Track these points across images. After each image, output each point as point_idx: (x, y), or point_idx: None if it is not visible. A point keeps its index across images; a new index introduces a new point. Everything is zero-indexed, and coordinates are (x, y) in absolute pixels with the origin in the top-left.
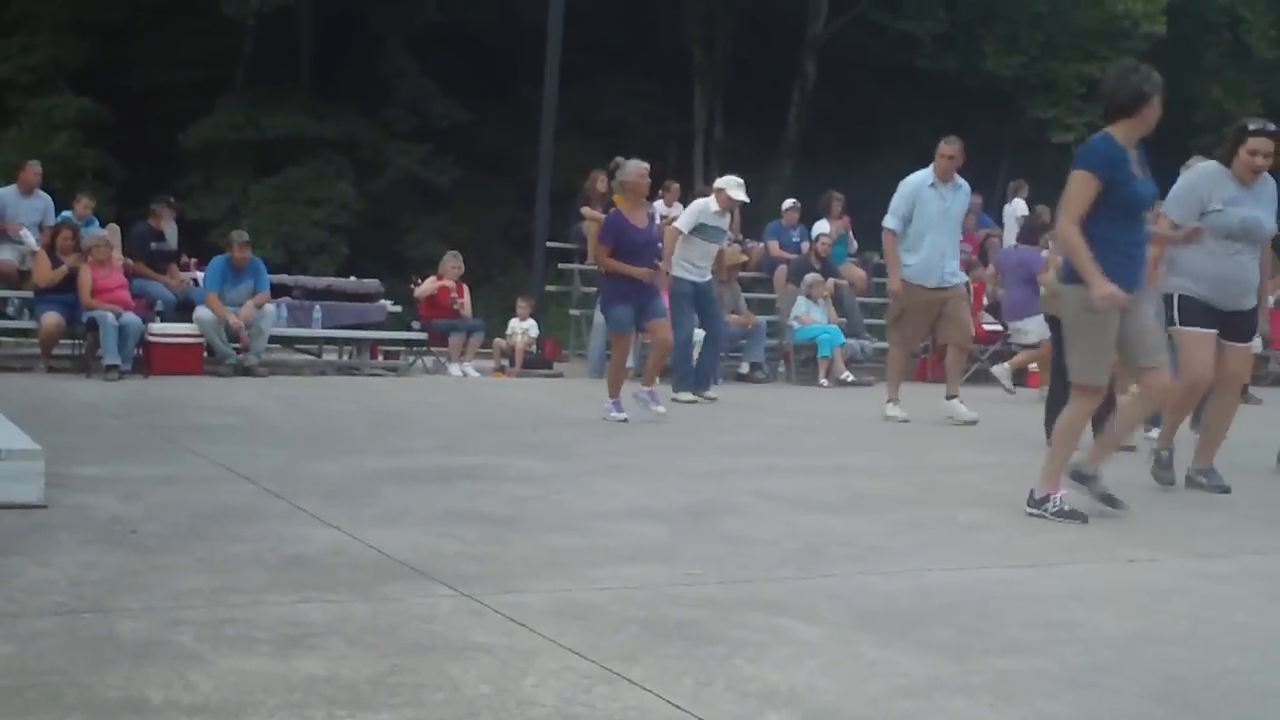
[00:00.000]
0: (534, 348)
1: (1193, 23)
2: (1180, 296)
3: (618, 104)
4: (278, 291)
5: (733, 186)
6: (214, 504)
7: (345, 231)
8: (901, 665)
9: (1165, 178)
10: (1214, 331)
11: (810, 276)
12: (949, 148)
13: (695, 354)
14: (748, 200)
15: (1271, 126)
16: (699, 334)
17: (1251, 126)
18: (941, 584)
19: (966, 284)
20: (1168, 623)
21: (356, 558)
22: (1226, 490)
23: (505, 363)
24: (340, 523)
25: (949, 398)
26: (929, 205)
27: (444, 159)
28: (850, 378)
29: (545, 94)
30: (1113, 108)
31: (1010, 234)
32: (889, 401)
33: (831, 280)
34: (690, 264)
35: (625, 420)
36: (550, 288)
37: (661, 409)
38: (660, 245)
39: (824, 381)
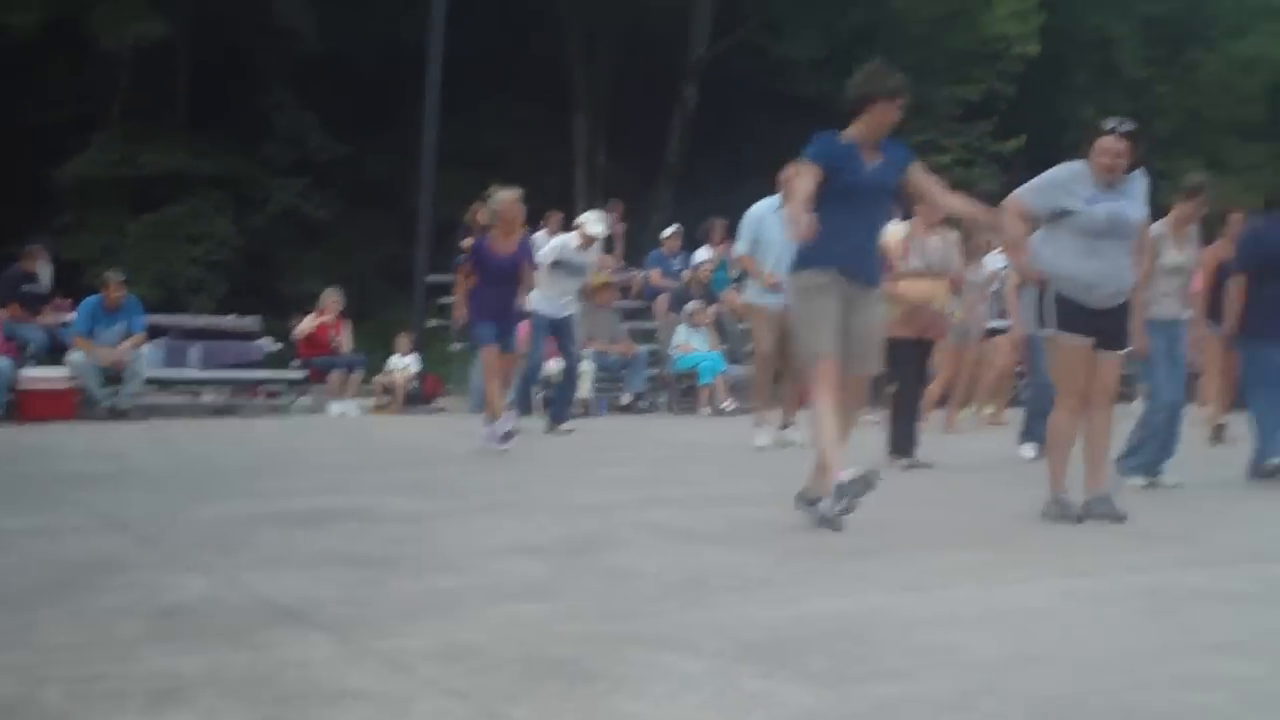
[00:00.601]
0: (415, 384)
1: (1065, 43)
2: (1057, 295)
3: (499, 134)
4: (154, 332)
5: (591, 222)
6: (86, 554)
7: (224, 268)
8: (782, 696)
9: None
10: (1089, 340)
11: (691, 304)
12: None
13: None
14: (607, 233)
15: (1126, 125)
16: (554, 365)
17: (1105, 125)
18: (822, 612)
19: None
20: (1042, 643)
21: (233, 605)
22: (1121, 519)
23: (386, 400)
24: (216, 569)
25: (785, 425)
26: (773, 230)
27: (324, 193)
28: (731, 406)
29: (425, 125)
30: (847, 108)
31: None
32: (757, 425)
33: (713, 307)
34: (549, 298)
35: (506, 447)
36: (431, 323)
37: (507, 446)
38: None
39: (705, 410)
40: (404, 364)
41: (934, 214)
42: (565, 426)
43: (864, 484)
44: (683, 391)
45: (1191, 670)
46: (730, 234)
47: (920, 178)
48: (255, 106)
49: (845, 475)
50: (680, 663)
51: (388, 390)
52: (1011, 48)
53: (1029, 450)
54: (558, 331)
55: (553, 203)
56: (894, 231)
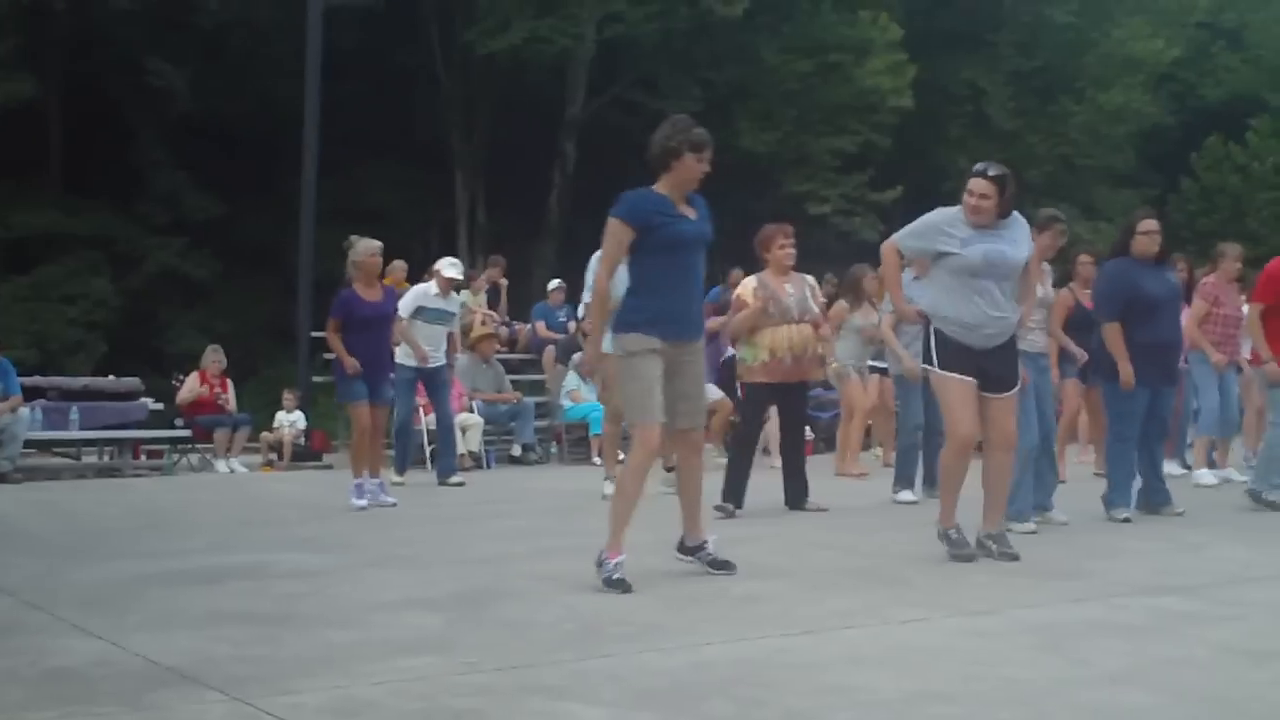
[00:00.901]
0: (302, 439)
1: (938, 96)
2: (936, 333)
3: (379, 192)
4: (32, 394)
5: (446, 266)
6: None
7: (103, 329)
8: None
9: None
10: (972, 381)
11: (579, 355)
12: None
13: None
14: (459, 278)
15: (993, 170)
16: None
17: (974, 169)
18: (720, 657)
19: None
20: (941, 681)
21: (122, 667)
22: (1015, 558)
23: (273, 456)
24: (104, 631)
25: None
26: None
27: (202, 252)
28: (623, 456)
29: (304, 184)
30: (651, 163)
31: None
32: (606, 479)
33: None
34: (412, 349)
35: (365, 508)
36: (317, 378)
37: (391, 500)
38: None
39: (597, 460)
40: (290, 420)
41: (787, 261)
42: (454, 480)
43: (617, 585)
44: (574, 442)
45: (1090, 702)
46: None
47: None
48: (130, 166)
49: (615, 560)
50: (580, 711)
51: (274, 447)
52: (886, 101)
53: (906, 495)
54: (427, 383)
55: (434, 258)
56: (746, 282)
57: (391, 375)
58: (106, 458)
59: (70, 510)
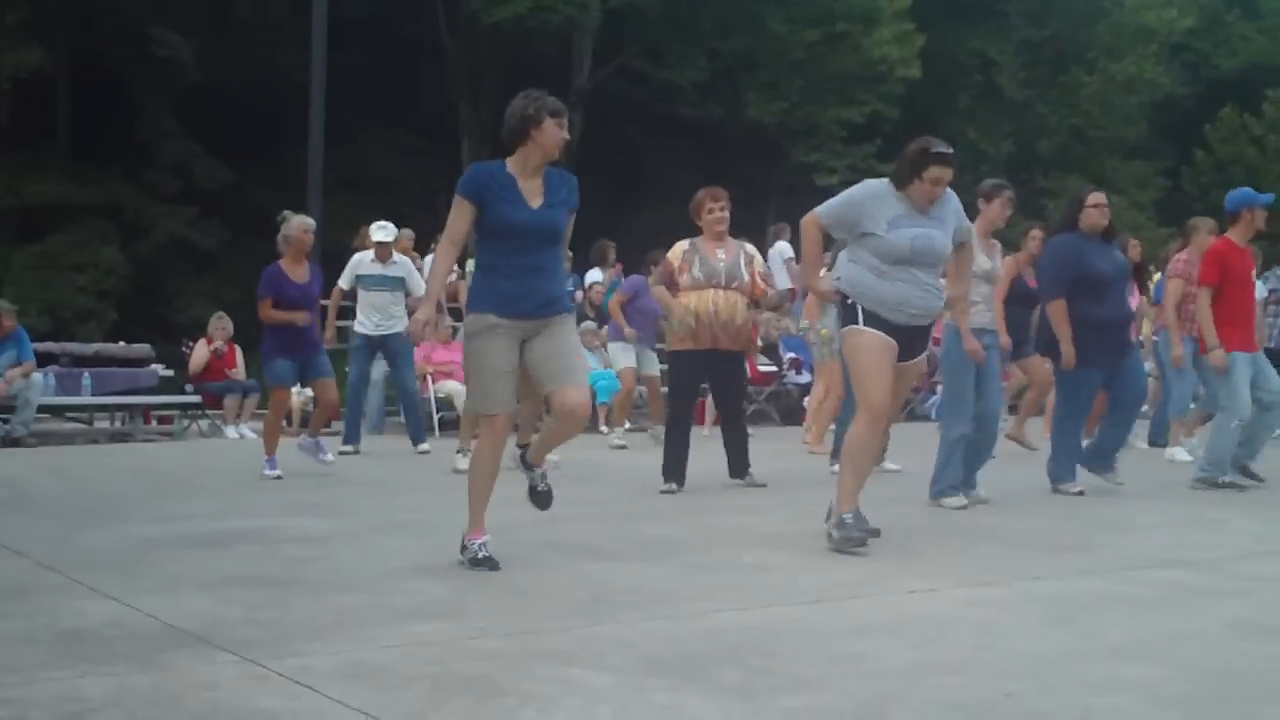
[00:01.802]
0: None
1: (946, 66)
2: (862, 308)
3: (386, 160)
4: (45, 360)
5: (375, 230)
6: None
7: (113, 297)
8: (691, 709)
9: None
10: (892, 343)
11: (584, 325)
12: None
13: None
14: (389, 240)
15: (947, 148)
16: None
17: (934, 150)
18: (729, 625)
19: None
20: (948, 651)
21: (135, 628)
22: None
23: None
24: (117, 593)
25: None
26: None
27: (211, 221)
28: (628, 425)
29: (310, 153)
30: (508, 139)
31: (779, 276)
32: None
33: (606, 328)
34: (363, 318)
35: (280, 477)
36: (326, 347)
37: (329, 458)
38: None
39: (604, 429)
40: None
41: (718, 226)
42: (422, 447)
43: (483, 563)
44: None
45: (1097, 675)
46: (621, 257)
47: None
48: (139, 136)
49: (479, 541)
50: (588, 677)
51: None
52: (894, 71)
53: (891, 465)
54: (384, 351)
55: (441, 227)
56: (678, 245)
57: (324, 349)
58: (118, 423)
59: (83, 475)
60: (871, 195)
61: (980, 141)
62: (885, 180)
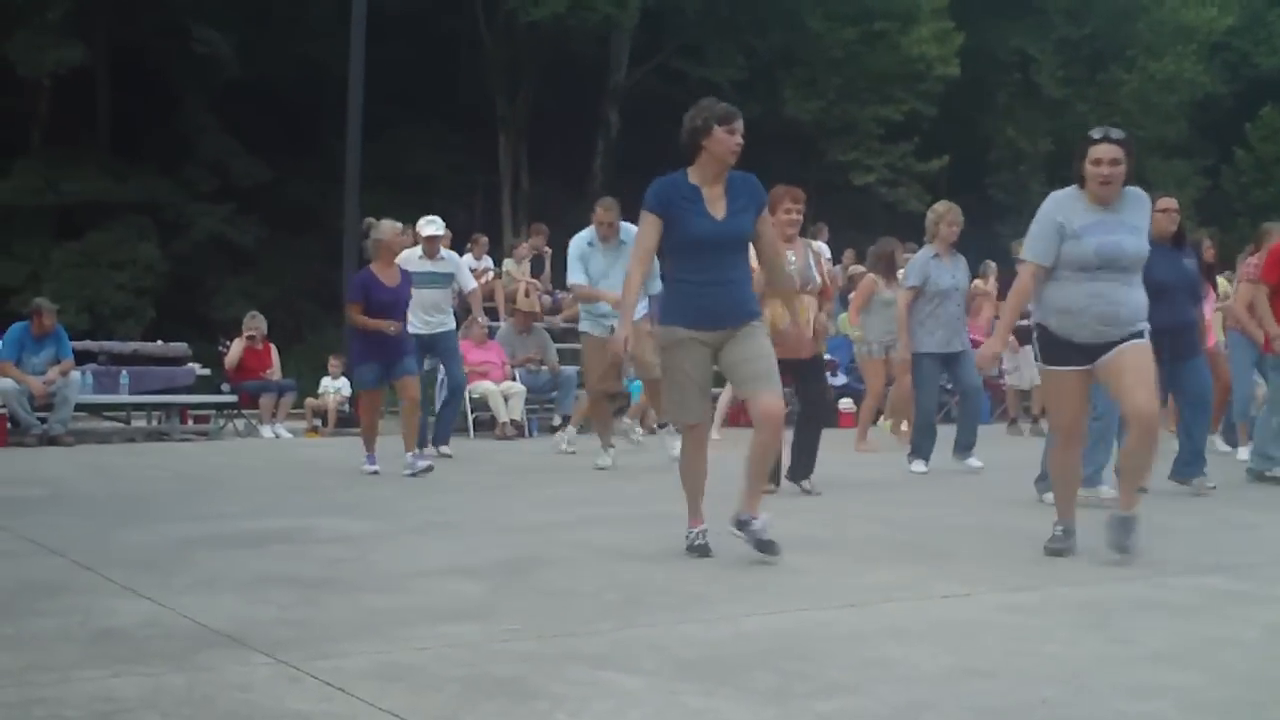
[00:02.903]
0: (346, 406)
1: (985, 64)
2: (1038, 327)
3: (423, 157)
4: (83, 358)
5: (424, 225)
6: (19, 579)
7: (151, 294)
8: (724, 712)
9: (973, 217)
10: (1079, 368)
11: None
12: (603, 213)
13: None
14: (440, 234)
15: (1116, 133)
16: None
17: (1094, 134)
18: (762, 629)
19: None
20: (982, 656)
21: (170, 628)
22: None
23: (318, 422)
24: (152, 593)
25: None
26: (595, 262)
27: (249, 218)
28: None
29: (348, 148)
30: (684, 151)
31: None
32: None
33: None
34: (410, 317)
35: (377, 472)
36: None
37: (427, 462)
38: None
39: (639, 429)
40: (335, 386)
41: (790, 229)
42: (445, 449)
43: (695, 550)
44: (615, 412)
45: (1133, 680)
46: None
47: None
48: (177, 132)
49: (696, 529)
50: (620, 680)
51: (319, 413)
52: (932, 69)
53: (919, 466)
54: (435, 350)
55: (479, 226)
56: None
57: (411, 349)
58: (155, 422)
59: (120, 474)
60: (1057, 205)
61: (1019, 140)
62: (1072, 187)
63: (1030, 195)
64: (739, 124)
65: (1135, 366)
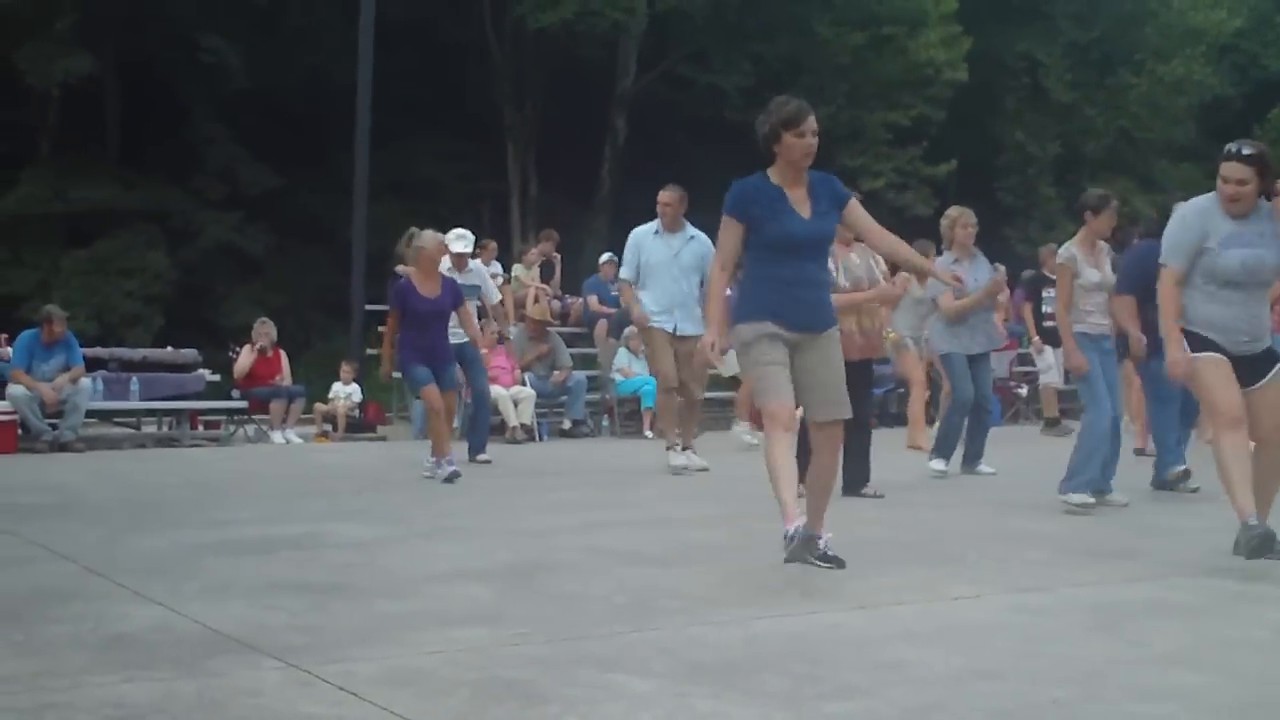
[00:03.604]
0: (356, 411)
1: (993, 69)
2: (1185, 332)
3: (431, 165)
4: (93, 365)
5: (453, 240)
6: (30, 584)
7: (160, 302)
8: (734, 715)
9: (982, 221)
10: (1223, 359)
11: (630, 329)
12: (666, 194)
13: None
14: (468, 251)
15: (1248, 150)
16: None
17: (1228, 147)
18: (772, 632)
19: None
20: (993, 658)
21: (180, 633)
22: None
23: (328, 428)
24: (163, 598)
25: (683, 448)
26: (654, 254)
27: (257, 226)
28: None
29: (356, 157)
30: (763, 155)
31: None
32: (669, 449)
33: None
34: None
35: (458, 473)
36: (371, 351)
37: (454, 468)
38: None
39: (648, 434)
40: (346, 392)
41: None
42: (482, 457)
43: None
44: (625, 415)
45: (1143, 682)
46: None
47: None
48: (186, 141)
49: (793, 526)
50: (630, 683)
51: (329, 419)
52: (940, 74)
53: (939, 464)
54: (461, 360)
55: (487, 233)
56: None
57: (454, 362)
58: (165, 428)
59: (130, 479)
60: (1199, 211)
61: (1027, 144)
62: (1211, 195)
63: (1039, 199)
64: (809, 123)
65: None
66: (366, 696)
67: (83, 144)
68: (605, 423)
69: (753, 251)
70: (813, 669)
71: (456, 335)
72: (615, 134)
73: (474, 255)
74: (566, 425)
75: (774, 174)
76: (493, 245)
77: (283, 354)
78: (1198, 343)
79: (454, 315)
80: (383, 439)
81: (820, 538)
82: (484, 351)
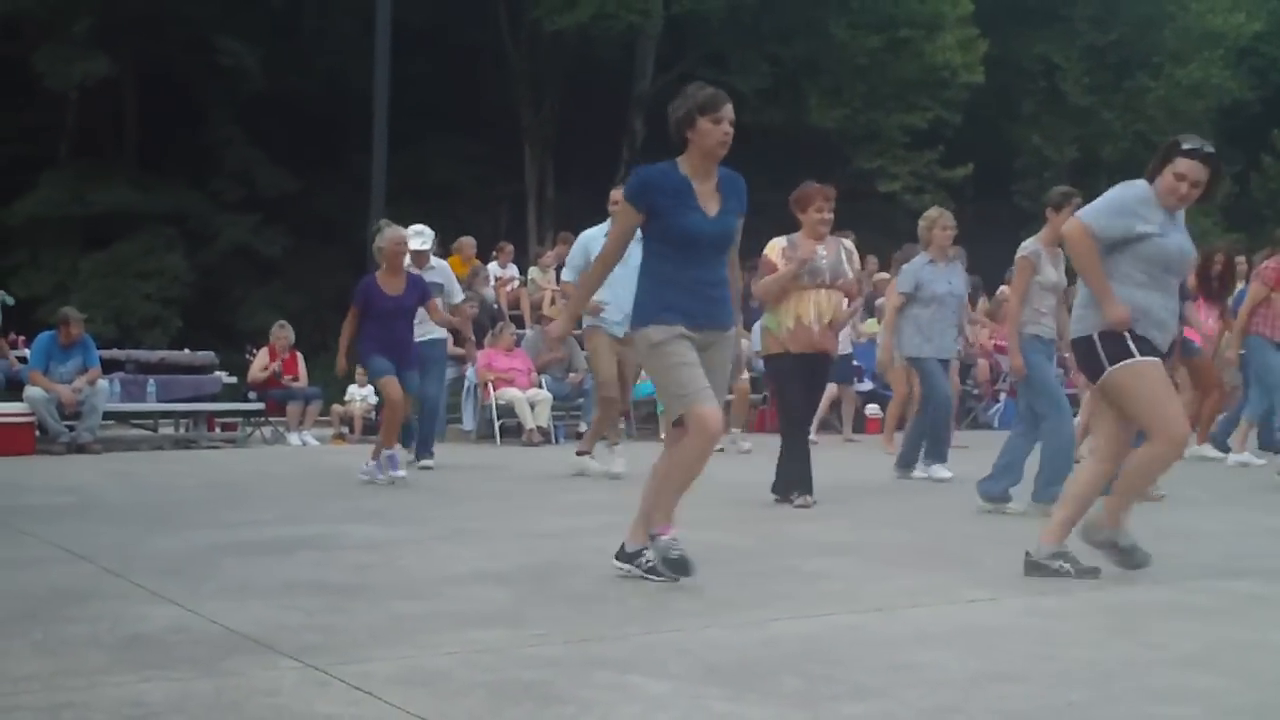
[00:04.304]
0: (373, 414)
1: (1010, 72)
2: (1104, 334)
3: (448, 167)
4: (110, 367)
5: (411, 237)
6: (49, 585)
7: (177, 304)
8: (751, 717)
9: (999, 225)
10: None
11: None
12: (618, 193)
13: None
14: (426, 249)
15: (1209, 148)
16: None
17: (1185, 145)
18: (789, 633)
19: None
20: (1009, 660)
21: (198, 634)
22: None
23: (345, 430)
24: (180, 599)
25: (581, 453)
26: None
27: (274, 228)
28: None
29: (374, 159)
30: (673, 141)
31: None
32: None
33: None
34: None
35: (404, 476)
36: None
37: (402, 473)
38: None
39: (663, 435)
40: (362, 394)
41: (822, 227)
42: (425, 462)
43: (677, 565)
44: (641, 419)
45: (1160, 685)
46: None
47: None
48: (203, 144)
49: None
50: (647, 685)
51: (345, 420)
52: (957, 76)
53: (941, 472)
54: (418, 357)
55: (504, 236)
56: (774, 243)
57: (415, 364)
58: (182, 429)
59: (147, 480)
60: (1139, 194)
61: (1044, 148)
62: (1143, 182)
63: None
64: (727, 112)
65: None
66: (383, 697)
67: (100, 147)
68: (621, 425)
69: (653, 246)
70: (829, 670)
71: (422, 333)
72: (633, 136)
73: (442, 253)
74: (583, 428)
75: (683, 164)
76: (509, 248)
77: (299, 356)
78: (1137, 340)
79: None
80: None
81: (663, 534)
82: (491, 352)
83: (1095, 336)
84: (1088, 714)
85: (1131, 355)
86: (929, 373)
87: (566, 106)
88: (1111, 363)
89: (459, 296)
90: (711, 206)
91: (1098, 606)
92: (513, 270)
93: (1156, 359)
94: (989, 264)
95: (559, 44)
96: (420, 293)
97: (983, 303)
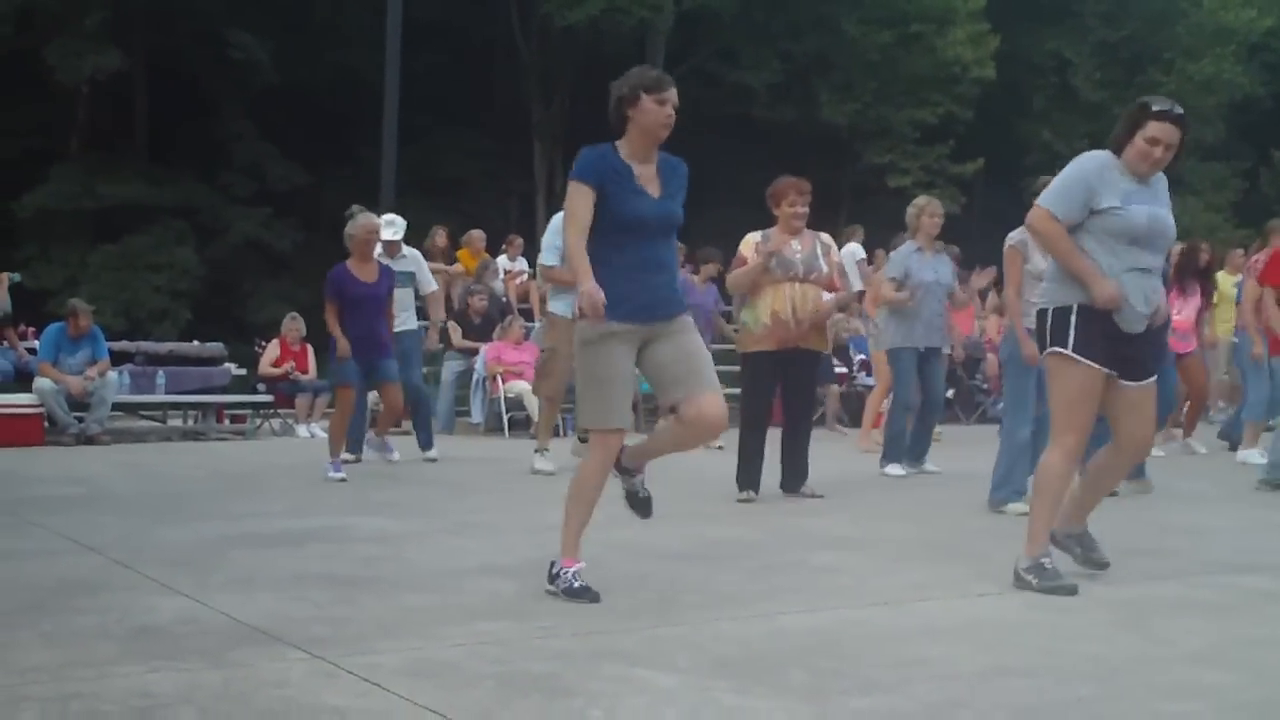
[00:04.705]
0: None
1: (1021, 67)
2: (1079, 308)
3: (458, 162)
4: (119, 358)
5: (383, 227)
6: (58, 576)
7: (187, 297)
8: (759, 710)
9: (1009, 220)
10: (1102, 370)
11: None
12: None
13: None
14: (398, 239)
15: (1179, 109)
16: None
17: (1155, 107)
18: (796, 627)
19: None
20: (1018, 655)
21: (206, 625)
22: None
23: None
24: (189, 590)
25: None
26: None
27: (285, 222)
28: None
29: (384, 154)
30: (612, 124)
31: (852, 278)
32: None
33: None
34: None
35: (344, 480)
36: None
37: (396, 456)
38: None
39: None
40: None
41: (796, 221)
42: (430, 454)
43: (582, 594)
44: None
45: (1168, 680)
46: (688, 259)
47: None
48: (214, 137)
49: (574, 569)
50: (654, 678)
51: None
52: (968, 72)
53: (894, 469)
54: (398, 347)
55: (514, 230)
56: (749, 237)
57: (391, 352)
58: (191, 421)
59: (156, 472)
60: (1099, 166)
61: (1055, 143)
62: (1105, 151)
63: None
64: (671, 93)
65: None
66: (391, 688)
67: (111, 140)
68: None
69: (596, 233)
70: (837, 664)
71: (398, 323)
72: None
73: (413, 243)
74: None
75: (622, 148)
76: (519, 241)
77: (309, 349)
78: (1086, 336)
79: (405, 297)
80: (408, 433)
81: (639, 474)
82: (500, 344)
83: (1049, 312)
84: (1095, 709)
85: (1065, 345)
86: (899, 369)
87: (577, 101)
88: (1051, 343)
89: (432, 286)
90: (653, 189)
91: (1105, 602)
92: (522, 264)
93: (1093, 366)
94: (999, 259)
95: (569, 39)
96: (390, 283)
97: (992, 297)
